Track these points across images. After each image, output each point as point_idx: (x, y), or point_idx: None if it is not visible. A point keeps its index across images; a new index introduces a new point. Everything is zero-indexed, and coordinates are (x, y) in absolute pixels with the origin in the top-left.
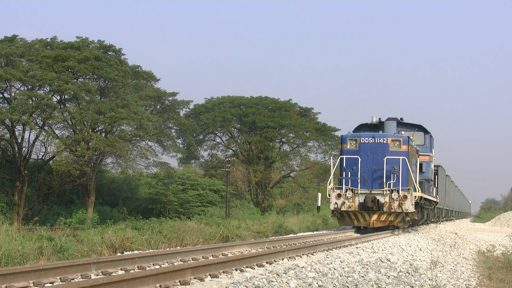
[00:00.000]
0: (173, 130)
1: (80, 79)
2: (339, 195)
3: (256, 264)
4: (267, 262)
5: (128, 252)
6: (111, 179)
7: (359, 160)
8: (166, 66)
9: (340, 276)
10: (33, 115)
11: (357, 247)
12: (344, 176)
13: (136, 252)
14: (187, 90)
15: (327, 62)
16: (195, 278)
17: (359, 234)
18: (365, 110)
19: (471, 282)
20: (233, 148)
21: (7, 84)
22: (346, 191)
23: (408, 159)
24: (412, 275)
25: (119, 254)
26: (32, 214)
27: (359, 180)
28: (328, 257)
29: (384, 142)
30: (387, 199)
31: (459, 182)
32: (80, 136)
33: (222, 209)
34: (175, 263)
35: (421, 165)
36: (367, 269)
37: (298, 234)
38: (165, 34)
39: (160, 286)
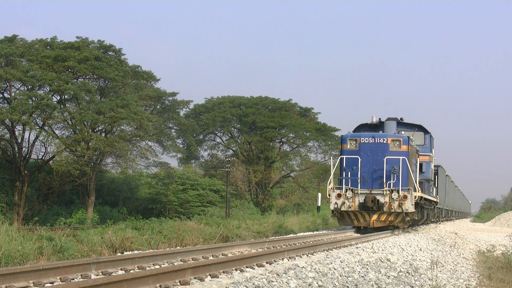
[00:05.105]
0: (173, 130)
1: (80, 79)
2: (339, 195)
3: (256, 264)
4: (267, 262)
5: (128, 252)
6: (111, 179)
7: (359, 160)
8: (166, 66)
9: (340, 276)
10: (33, 115)
11: (357, 247)
12: (344, 176)
13: (136, 252)
14: (187, 90)
15: (327, 62)
16: (195, 278)
17: (359, 234)
18: (365, 110)
19: (471, 282)
20: (233, 148)
21: (7, 84)
22: (346, 191)
23: (408, 159)
24: (412, 275)
25: (119, 254)
26: (32, 214)
27: (359, 180)
28: (328, 257)
29: (384, 142)
30: (387, 199)
31: (459, 182)
32: (80, 136)
33: (222, 209)
34: (175, 263)
35: (421, 165)
36: (367, 269)
37: (298, 234)
38: (165, 34)
39: (160, 286)
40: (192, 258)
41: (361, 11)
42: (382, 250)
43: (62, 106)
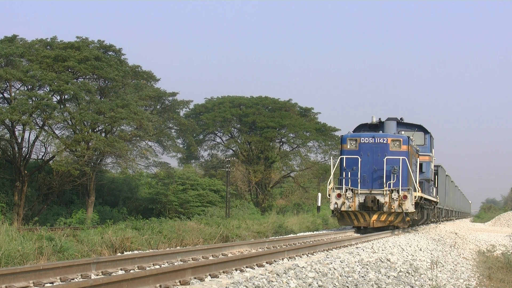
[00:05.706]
0: (173, 130)
1: (80, 79)
2: (339, 195)
3: (256, 264)
4: (267, 262)
5: (128, 252)
6: (111, 179)
7: (359, 160)
8: (166, 66)
9: (340, 276)
10: (33, 115)
11: (357, 247)
12: (344, 176)
13: (136, 252)
14: (187, 90)
15: (327, 62)
16: (195, 278)
17: (359, 234)
18: (365, 110)
19: (471, 282)
20: (233, 148)
21: (7, 84)
22: (346, 191)
23: (408, 159)
24: (412, 275)
25: (119, 254)
26: (32, 214)
27: (359, 180)
28: (328, 257)
29: (384, 142)
30: (387, 199)
31: (459, 182)
32: (80, 136)
33: (222, 209)
34: (175, 263)
35: (421, 165)
36: (367, 269)
37: (298, 234)
38: (165, 34)
39: (160, 286)
40: (192, 258)
41: (361, 11)
42: (382, 250)
43: (62, 106)
